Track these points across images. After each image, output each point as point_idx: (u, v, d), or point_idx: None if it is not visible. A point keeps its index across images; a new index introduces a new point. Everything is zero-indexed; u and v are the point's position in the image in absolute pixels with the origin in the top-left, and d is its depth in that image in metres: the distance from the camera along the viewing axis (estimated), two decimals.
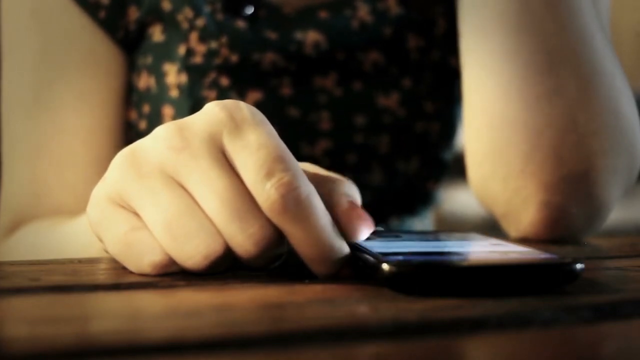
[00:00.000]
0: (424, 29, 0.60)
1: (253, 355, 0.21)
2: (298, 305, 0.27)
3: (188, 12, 0.56)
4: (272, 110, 0.55)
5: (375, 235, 0.34)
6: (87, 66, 0.57)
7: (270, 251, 0.31)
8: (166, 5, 0.56)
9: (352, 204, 0.32)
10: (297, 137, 0.58)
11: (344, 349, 0.22)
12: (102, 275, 0.33)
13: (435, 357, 0.22)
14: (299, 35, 0.57)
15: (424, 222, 0.68)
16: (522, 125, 0.50)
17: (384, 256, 0.29)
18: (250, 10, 0.56)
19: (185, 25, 0.56)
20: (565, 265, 0.29)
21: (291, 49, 0.57)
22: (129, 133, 0.60)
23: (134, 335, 0.22)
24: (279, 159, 0.30)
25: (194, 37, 0.56)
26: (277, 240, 0.31)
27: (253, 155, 0.30)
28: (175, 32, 0.57)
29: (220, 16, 0.56)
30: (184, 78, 0.56)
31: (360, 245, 0.32)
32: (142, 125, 0.59)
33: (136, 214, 0.32)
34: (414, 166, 0.62)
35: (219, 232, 0.30)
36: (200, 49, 0.56)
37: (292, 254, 0.32)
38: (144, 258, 0.31)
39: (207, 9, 0.56)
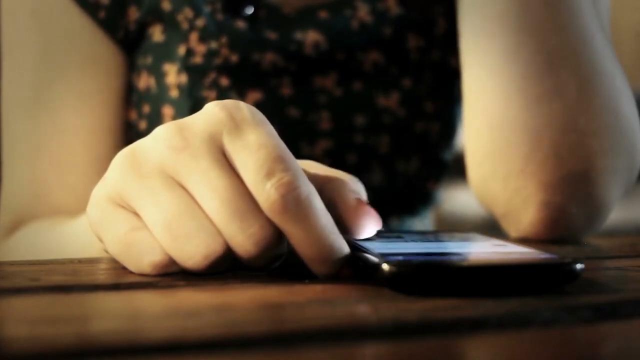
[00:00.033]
0: (424, 29, 0.60)
1: (253, 355, 0.21)
2: (298, 305, 0.27)
3: (188, 12, 0.56)
4: (272, 110, 0.55)
5: (375, 235, 0.34)
6: (87, 66, 0.57)
7: (270, 251, 0.31)
8: (166, 6, 0.56)
9: (359, 200, 0.33)
10: (297, 137, 0.58)
11: (344, 349, 0.22)
12: (102, 275, 0.33)
13: (435, 357, 0.22)
14: (298, 35, 0.57)
15: (424, 222, 0.68)
16: (522, 125, 0.50)
17: (384, 256, 0.29)
18: (250, 10, 0.56)
19: (185, 26, 0.56)
20: (565, 265, 0.29)
21: (291, 49, 0.57)
22: (129, 133, 0.60)
23: (134, 335, 0.22)
24: (279, 159, 0.30)
25: (194, 37, 0.56)
26: (277, 240, 0.31)
27: (253, 155, 0.30)
28: (175, 32, 0.57)
29: (220, 16, 0.56)
30: (184, 78, 0.56)
31: (361, 245, 0.32)
32: (142, 125, 0.59)
33: (136, 214, 0.32)
34: (414, 166, 0.62)
35: (219, 232, 0.30)
36: (200, 49, 0.56)
37: (292, 254, 0.32)
38: (144, 258, 0.31)
39: (207, 9, 0.56)
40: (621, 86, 0.52)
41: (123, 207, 0.32)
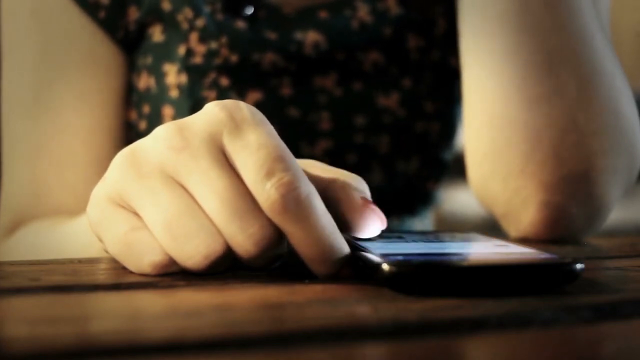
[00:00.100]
0: (424, 29, 0.60)
1: (253, 355, 0.21)
2: (298, 305, 0.27)
3: (188, 13, 0.56)
4: (272, 110, 0.55)
5: (376, 235, 0.34)
6: (87, 66, 0.57)
7: (270, 251, 0.31)
8: (166, 6, 0.56)
9: (365, 199, 0.33)
10: (297, 137, 0.58)
11: (344, 349, 0.22)
12: (102, 275, 0.33)
13: (435, 357, 0.22)
14: (298, 35, 0.57)
15: (424, 222, 0.68)
16: (522, 125, 0.50)
17: (384, 256, 0.29)
18: (250, 10, 0.56)
19: (185, 26, 0.56)
20: (565, 265, 0.29)
21: (291, 49, 0.57)
22: (129, 133, 0.60)
23: (134, 335, 0.22)
24: (279, 159, 0.30)
25: (193, 37, 0.56)
26: (277, 240, 0.31)
27: (253, 155, 0.30)
28: (175, 32, 0.57)
29: (220, 16, 0.56)
30: (184, 78, 0.56)
31: (360, 245, 0.32)
32: (142, 125, 0.59)
33: (136, 214, 0.32)
34: (414, 166, 0.62)
35: (219, 232, 0.30)
36: (200, 49, 0.56)
37: (292, 254, 0.32)
38: (144, 258, 0.31)
39: (207, 9, 0.56)
40: (621, 86, 0.52)
41: (123, 207, 0.32)
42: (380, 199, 0.61)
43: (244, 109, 0.32)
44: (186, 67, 0.56)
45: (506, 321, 0.25)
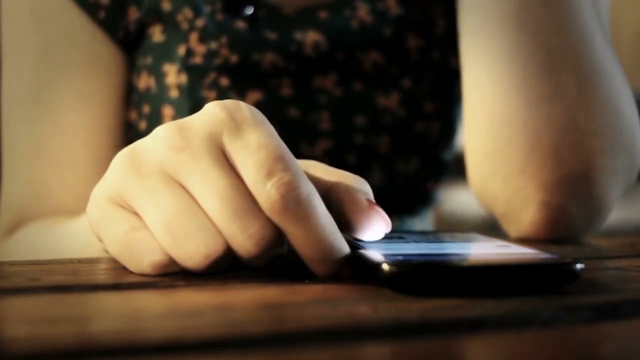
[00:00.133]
0: (424, 29, 0.60)
1: (253, 355, 0.21)
2: (298, 305, 0.27)
3: (188, 13, 0.56)
4: (272, 110, 0.55)
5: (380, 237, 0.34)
6: (87, 66, 0.57)
7: (270, 251, 0.31)
8: (166, 6, 0.56)
9: (370, 201, 0.33)
10: (297, 137, 0.58)
11: (344, 349, 0.22)
12: (102, 275, 0.33)
13: (435, 357, 0.22)
14: (298, 35, 0.57)
15: (424, 222, 0.68)
16: (522, 125, 0.50)
17: (384, 256, 0.29)
18: (250, 10, 0.56)
19: (185, 26, 0.56)
20: (565, 265, 0.29)
21: (291, 49, 0.57)
22: (129, 133, 0.60)
23: (134, 335, 0.22)
24: (279, 159, 0.30)
25: (193, 37, 0.56)
26: (277, 240, 0.31)
27: (253, 155, 0.30)
28: (175, 32, 0.57)
29: (220, 16, 0.56)
30: (183, 78, 0.56)
31: (360, 245, 0.32)
32: (142, 125, 0.59)
33: (136, 214, 0.32)
34: (414, 166, 0.62)
35: (219, 232, 0.30)
36: (200, 49, 0.56)
37: (292, 254, 0.32)
38: (144, 258, 0.31)
39: (206, 9, 0.56)
40: (621, 86, 0.52)
41: (123, 207, 0.32)
42: (380, 199, 0.62)
43: (244, 109, 0.32)
44: (186, 67, 0.56)
45: (506, 321, 0.25)
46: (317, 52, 0.57)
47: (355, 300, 0.28)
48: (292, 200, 0.29)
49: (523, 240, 0.51)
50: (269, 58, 0.56)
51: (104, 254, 0.35)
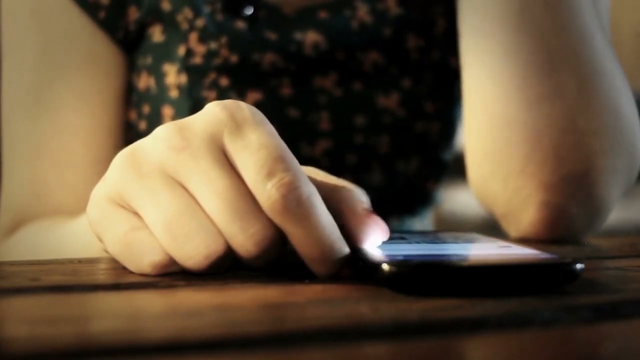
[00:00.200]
0: (424, 29, 0.60)
1: (253, 355, 0.21)
2: (298, 305, 0.27)
3: (188, 13, 0.56)
4: (271, 110, 0.55)
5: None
6: (87, 66, 0.57)
7: (271, 251, 0.31)
8: (166, 6, 0.56)
9: (367, 210, 0.32)
10: (297, 137, 0.58)
11: (344, 349, 0.22)
12: (102, 275, 0.33)
13: (435, 357, 0.22)
14: (298, 35, 0.57)
15: (424, 222, 0.68)
16: (522, 125, 0.50)
17: (384, 256, 0.29)
18: (249, 10, 0.56)
19: (184, 26, 0.56)
20: (565, 265, 0.29)
21: (291, 50, 0.57)
22: (129, 133, 0.60)
23: (134, 335, 0.22)
24: (280, 159, 0.30)
25: (193, 37, 0.56)
26: (278, 240, 0.31)
27: (254, 155, 0.30)
28: (175, 32, 0.57)
29: (219, 17, 0.56)
30: (183, 78, 0.56)
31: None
32: (142, 125, 0.59)
33: (136, 214, 0.32)
34: (414, 166, 0.62)
35: (219, 232, 0.30)
36: (200, 49, 0.56)
37: (292, 254, 0.32)
38: (144, 258, 0.31)
39: (206, 9, 0.56)
40: (621, 86, 0.52)
41: (123, 207, 0.32)
42: (380, 199, 0.62)
43: (244, 109, 0.32)
44: (186, 67, 0.56)
45: (506, 321, 0.25)
46: (317, 52, 0.57)
47: (355, 300, 0.28)
48: (292, 200, 0.29)
49: (523, 240, 0.51)
50: (268, 58, 0.56)
51: (104, 254, 0.35)
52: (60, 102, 0.56)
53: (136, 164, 0.32)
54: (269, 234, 0.30)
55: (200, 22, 0.56)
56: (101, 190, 0.33)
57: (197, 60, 0.56)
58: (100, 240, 0.33)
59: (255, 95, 0.57)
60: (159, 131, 0.32)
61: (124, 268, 0.33)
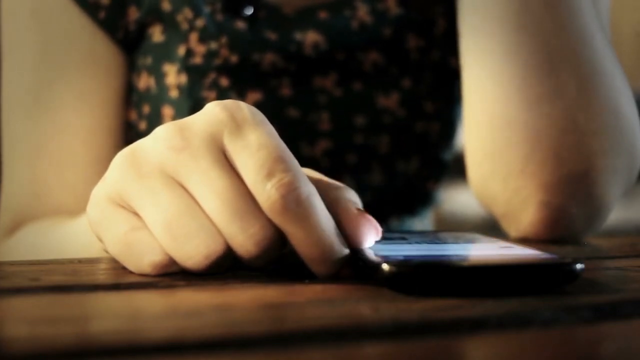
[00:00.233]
0: (424, 29, 0.60)
1: (253, 355, 0.21)
2: (298, 305, 0.27)
3: (188, 13, 0.56)
4: (271, 110, 0.55)
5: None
6: (87, 66, 0.57)
7: (270, 251, 0.31)
8: (166, 6, 0.56)
9: (359, 210, 0.32)
10: (297, 137, 0.58)
11: (344, 349, 0.22)
12: (102, 275, 0.33)
13: (435, 357, 0.22)
14: (298, 35, 0.57)
15: (424, 222, 0.68)
16: (522, 125, 0.50)
17: (384, 256, 0.29)
18: (249, 10, 0.56)
19: (185, 26, 0.56)
20: (565, 265, 0.29)
21: (291, 50, 0.57)
22: (129, 133, 0.60)
23: (134, 335, 0.22)
24: (280, 159, 0.30)
25: (193, 37, 0.56)
26: (277, 240, 0.31)
27: (254, 156, 0.30)
28: (175, 32, 0.57)
29: (219, 17, 0.56)
30: (183, 78, 0.56)
31: None
32: (142, 125, 0.59)
33: (136, 214, 0.32)
34: (414, 166, 0.62)
35: (219, 232, 0.30)
36: (200, 49, 0.56)
37: (292, 254, 0.32)
38: (144, 258, 0.31)
39: (206, 9, 0.56)
40: (621, 86, 0.52)
41: (123, 207, 0.32)
42: (380, 199, 0.62)
43: (244, 109, 0.32)
44: (186, 67, 0.56)
45: (506, 321, 0.25)
46: (317, 52, 0.57)
47: (355, 300, 0.28)
48: (292, 200, 0.29)
49: (523, 240, 0.51)
50: (268, 58, 0.56)
51: (104, 254, 0.35)
52: (60, 102, 0.56)
53: (136, 164, 0.32)
54: (269, 234, 0.30)
55: (200, 22, 0.56)
56: (101, 190, 0.33)
57: (197, 60, 0.56)
58: (100, 240, 0.33)
59: (255, 96, 0.57)
60: (158, 131, 0.32)
61: (124, 268, 0.33)
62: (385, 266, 0.28)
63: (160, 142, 0.32)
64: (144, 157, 0.32)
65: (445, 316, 0.25)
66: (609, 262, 0.41)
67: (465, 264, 0.30)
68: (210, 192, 0.30)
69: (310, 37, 0.57)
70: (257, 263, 0.31)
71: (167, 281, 0.31)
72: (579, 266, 0.29)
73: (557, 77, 0.50)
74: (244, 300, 0.28)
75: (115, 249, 0.32)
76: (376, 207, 0.59)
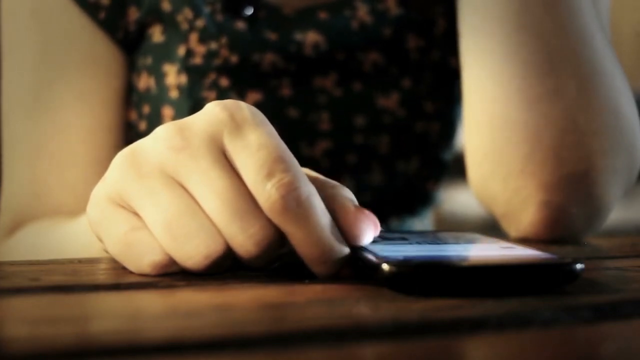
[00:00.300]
0: (423, 29, 0.60)
1: (253, 355, 0.21)
2: (298, 305, 0.27)
3: (188, 13, 0.56)
4: (271, 110, 0.55)
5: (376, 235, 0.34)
6: (87, 66, 0.57)
7: (270, 251, 0.31)
8: (166, 6, 0.56)
9: (358, 206, 0.32)
10: (297, 137, 0.58)
11: (344, 349, 0.22)
12: (102, 275, 0.33)
13: (435, 357, 0.22)
14: (298, 35, 0.57)
15: (424, 222, 0.68)
16: (522, 125, 0.50)
17: (384, 256, 0.29)
18: (249, 11, 0.56)
19: (185, 26, 0.56)
20: (565, 265, 0.29)
21: (291, 50, 0.57)
22: (129, 133, 0.60)
23: (134, 335, 0.22)
24: (280, 160, 0.30)
25: (193, 37, 0.56)
26: (277, 240, 0.31)
27: (254, 156, 0.30)
28: (175, 32, 0.57)
29: (220, 17, 0.56)
30: (183, 79, 0.56)
31: (361, 246, 0.32)
32: (142, 125, 0.59)
33: (136, 214, 0.32)
34: (414, 166, 0.62)
35: (219, 232, 0.30)
36: (200, 49, 0.56)
37: (292, 254, 0.32)
38: (144, 258, 0.31)
39: (206, 9, 0.56)
40: (621, 86, 0.52)
41: (123, 207, 0.32)
42: (380, 199, 0.62)
43: (244, 109, 0.32)
44: (186, 67, 0.56)
45: (506, 321, 0.25)
46: (317, 52, 0.57)
47: (355, 300, 0.28)
48: (292, 200, 0.29)
49: (523, 240, 0.51)
50: (268, 58, 0.56)
51: (104, 254, 0.35)
52: (60, 102, 0.56)
53: (136, 164, 0.32)
54: (269, 234, 0.30)
55: (200, 23, 0.56)
56: (101, 190, 0.33)
57: (197, 60, 0.56)
58: (100, 240, 0.33)
59: (255, 96, 0.57)
60: (158, 131, 0.32)
61: (124, 268, 0.33)
62: (385, 266, 0.28)
63: (160, 142, 0.32)
64: (144, 157, 0.32)
65: (445, 316, 0.25)
66: (609, 262, 0.41)
67: (465, 264, 0.30)
68: (210, 192, 0.30)
69: (310, 37, 0.57)
70: (257, 263, 0.31)
71: (167, 281, 0.31)
72: (579, 266, 0.29)
73: (557, 77, 0.50)
74: (244, 300, 0.28)
75: (115, 249, 0.32)
76: (376, 207, 0.59)
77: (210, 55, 0.56)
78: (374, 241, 0.33)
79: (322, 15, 0.57)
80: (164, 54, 0.57)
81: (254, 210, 0.30)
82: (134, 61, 0.59)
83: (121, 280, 0.32)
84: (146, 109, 0.58)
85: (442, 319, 0.25)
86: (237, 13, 0.56)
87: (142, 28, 0.58)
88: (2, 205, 0.58)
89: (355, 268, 0.31)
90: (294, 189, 0.30)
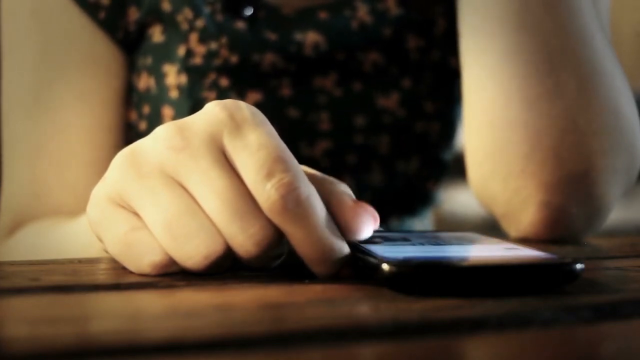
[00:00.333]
0: (423, 29, 0.60)
1: (253, 355, 0.21)
2: (298, 305, 0.27)
3: (188, 13, 0.56)
4: (271, 111, 0.54)
5: (376, 235, 0.34)
6: (87, 66, 0.57)
7: (270, 251, 0.31)
8: (166, 6, 0.56)
9: (355, 200, 0.32)
10: (297, 137, 0.58)
11: (344, 349, 0.22)
12: (102, 275, 0.33)
13: (435, 357, 0.22)
14: (298, 36, 0.57)
15: (424, 222, 0.68)
16: (522, 125, 0.50)
17: (384, 256, 0.29)
18: (249, 11, 0.56)
19: (185, 26, 0.56)
20: (565, 265, 0.29)
21: (291, 50, 0.57)
22: (129, 133, 0.60)
23: (134, 335, 0.22)
24: (279, 160, 0.30)
25: (193, 38, 0.56)
26: (277, 240, 0.31)
27: (253, 156, 0.30)
28: (175, 33, 0.57)
29: (219, 17, 0.56)
30: (183, 79, 0.56)
31: (360, 245, 0.32)
32: (142, 125, 0.59)
33: (136, 214, 0.32)
34: (414, 166, 0.62)
35: (219, 232, 0.30)
36: (200, 49, 0.56)
37: (292, 254, 0.32)
38: (144, 258, 0.31)
39: (206, 9, 0.56)
40: (621, 86, 0.52)
41: (123, 207, 0.32)
42: (380, 199, 0.62)
43: (244, 109, 0.32)
44: (186, 67, 0.56)
45: (506, 321, 0.25)
46: (317, 52, 0.57)
47: (355, 300, 0.28)
48: (292, 200, 0.29)
49: (523, 240, 0.51)
50: (268, 58, 0.56)
51: (104, 254, 0.35)
52: (60, 102, 0.56)
53: (136, 164, 0.32)
54: (269, 234, 0.30)
55: (200, 23, 0.56)
56: (101, 190, 0.33)
57: (197, 60, 0.56)
58: (100, 240, 0.33)
59: (255, 96, 0.57)
60: (158, 131, 0.32)
61: (124, 268, 0.33)
62: (385, 266, 0.28)
63: (160, 142, 0.32)
64: (143, 157, 0.32)
65: (445, 316, 0.25)
66: (609, 262, 0.41)
67: (465, 264, 0.30)
68: (210, 192, 0.30)
69: (310, 38, 0.57)
70: (257, 263, 0.31)
71: (167, 281, 0.31)
72: (579, 266, 0.29)
73: (557, 77, 0.50)
74: (244, 300, 0.28)
75: (115, 249, 0.32)
76: (376, 207, 0.59)
77: (210, 56, 0.56)
78: (374, 241, 0.33)
79: (322, 15, 0.57)
80: (164, 54, 0.57)
81: (253, 210, 0.30)
82: (134, 61, 0.59)
83: (121, 280, 0.32)
84: (146, 109, 0.59)
85: (442, 319, 0.25)
86: (237, 13, 0.56)
87: (142, 28, 0.58)
88: (2, 205, 0.58)
89: (355, 268, 0.32)
90: (293, 189, 0.30)
